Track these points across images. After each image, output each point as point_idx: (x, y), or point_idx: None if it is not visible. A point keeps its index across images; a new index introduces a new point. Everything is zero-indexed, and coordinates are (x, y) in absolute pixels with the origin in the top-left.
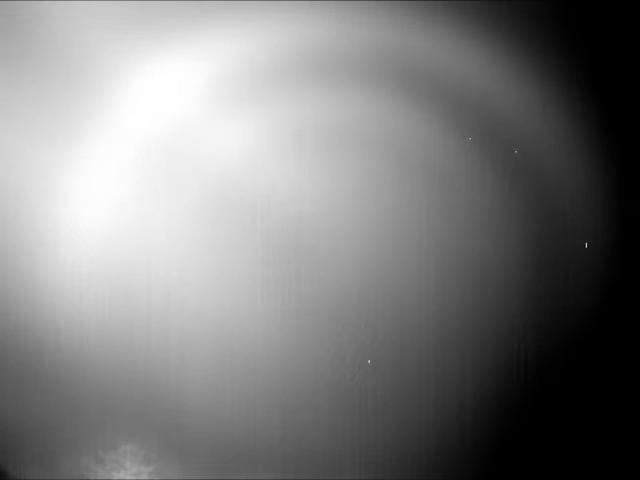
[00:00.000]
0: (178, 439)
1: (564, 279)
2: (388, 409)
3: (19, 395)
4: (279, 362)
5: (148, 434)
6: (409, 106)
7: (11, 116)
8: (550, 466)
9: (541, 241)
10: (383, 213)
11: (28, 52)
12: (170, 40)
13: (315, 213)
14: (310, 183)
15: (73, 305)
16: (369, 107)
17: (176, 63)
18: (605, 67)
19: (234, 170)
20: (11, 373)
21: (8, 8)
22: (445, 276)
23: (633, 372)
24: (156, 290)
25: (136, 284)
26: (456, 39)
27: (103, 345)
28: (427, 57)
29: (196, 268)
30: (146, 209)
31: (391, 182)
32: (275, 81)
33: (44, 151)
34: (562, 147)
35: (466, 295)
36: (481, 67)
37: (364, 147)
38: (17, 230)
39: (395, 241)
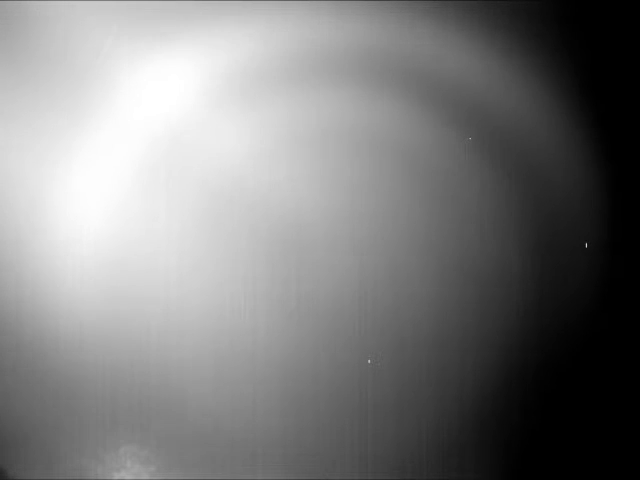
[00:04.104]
0: (178, 440)
1: (564, 279)
2: (388, 409)
3: (19, 395)
4: (279, 362)
5: (148, 434)
6: (407, 105)
7: (11, 114)
8: (551, 465)
9: (541, 241)
10: (381, 213)
11: (28, 49)
12: (169, 39)
13: (314, 213)
14: (307, 183)
15: (72, 305)
16: (367, 107)
17: (175, 62)
18: (604, 66)
19: (233, 169)
20: (11, 373)
21: (9, 7)
22: (444, 276)
23: (633, 372)
24: (156, 289)
25: (135, 284)
26: (454, 38)
27: (103, 345)
28: (425, 57)
29: (195, 267)
30: (145, 208)
31: (390, 182)
32: (274, 80)
33: (43, 151)
34: (562, 146)
35: (465, 295)
36: (480, 66)
37: (362, 147)
38: (16, 229)
39: (394, 241)
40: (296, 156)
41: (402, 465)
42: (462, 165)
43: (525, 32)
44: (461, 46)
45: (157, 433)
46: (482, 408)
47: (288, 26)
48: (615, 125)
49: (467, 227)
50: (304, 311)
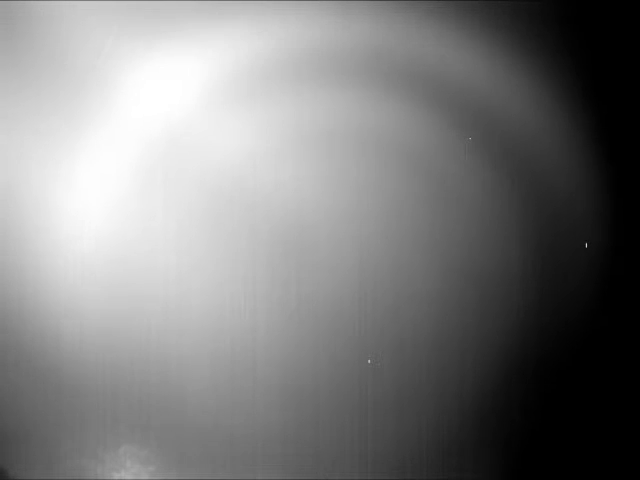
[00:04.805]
0: (178, 438)
1: (564, 279)
2: (388, 408)
3: (19, 395)
4: (279, 361)
5: (148, 433)
6: (409, 106)
7: (15, 117)
8: (551, 464)
9: (541, 241)
10: (383, 213)
11: (30, 49)
12: (171, 39)
13: (315, 214)
14: (309, 183)
15: (73, 304)
16: (369, 107)
17: (177, 62)
18: (604, 67)
19: (234, 169)
20: (11, 373)
21: (10, 7)
22: (445, 276)
23: (633, 371)
24: (156, 288)
25: (136, 282)
26: (456, 39)
27: (103, 344)
28: (427, 57)
29: (195, 267)
30: (147, 207)
31: (391, 182)
32: (275, 80)
33: (46, 151)
34: (562, 147)
35: (466, 295)
36: (481, 67)
37: (364, 147)
38: (19, 228)
39: (395, 241)
40: (297, 156)
41: (402, 464)
42: (466, 167)
43: (527, 33)
44: (467, 48)
45: (157, 432)
46: (482, 406)
47: (291, 26)
48: (616, 128)
49: (470, 228)
50: (304, 311)
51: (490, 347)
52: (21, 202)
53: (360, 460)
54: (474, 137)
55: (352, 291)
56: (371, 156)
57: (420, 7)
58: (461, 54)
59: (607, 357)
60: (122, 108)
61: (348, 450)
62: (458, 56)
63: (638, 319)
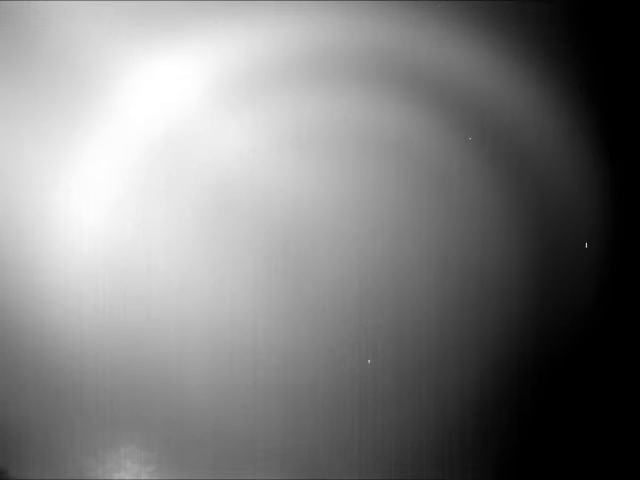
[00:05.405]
0: (178, 437)
1: (564, 278)
2: (388, 405)
3: (20, 395)
4: (279, 356)
5: (148, 433)
6: (409, 106)
7: (12, 115)
8: (550, 462)
9: (541, 240)
10: (383, 212)
11: (30, 50)
12: (171, 40)
13: (315, 211)
14: (310, 183)
15: (72, 305)
16: (370, 107)
17: (176, 62)
18: (607, 68)
19: (234, 169)
20: (11, 373)
21: (10, 8)
22: (445, 274)
23: (632, 370)
24: (156, 287)
25: (135, 282)
26: (457, 40)
27: (103, 345)
28: (428, 58)
29: (196, 265)
30: (146, 207)
31: (391, 181)
32: (276, 82)
33: (46, 152)
34: (563, 147)
35: (466, 293)
36: (482, 68)
37: (364, 146)
38: (17, 229)
39: (395, 239)
40: (297, 156)
41: (402, 458)
42: (466, 166)
43: (529, 35)
44: (469, 48)
45: (157, 431)
46: (481, 398)
47: (293, 27)
48: (618, 129)
49: (468, 226)
50: (304, 307)
51: (489, 345)
52: (20, 203)
53: (359, 455)
54: (475, 137)
55: (352, 287)
56: (371, 155)
57: (423, 10)
58: (463, 55)
59: (606, 354)
60: (121, 109)
61: (347, 443)
62: (460, 56)
63: (637, 319)
